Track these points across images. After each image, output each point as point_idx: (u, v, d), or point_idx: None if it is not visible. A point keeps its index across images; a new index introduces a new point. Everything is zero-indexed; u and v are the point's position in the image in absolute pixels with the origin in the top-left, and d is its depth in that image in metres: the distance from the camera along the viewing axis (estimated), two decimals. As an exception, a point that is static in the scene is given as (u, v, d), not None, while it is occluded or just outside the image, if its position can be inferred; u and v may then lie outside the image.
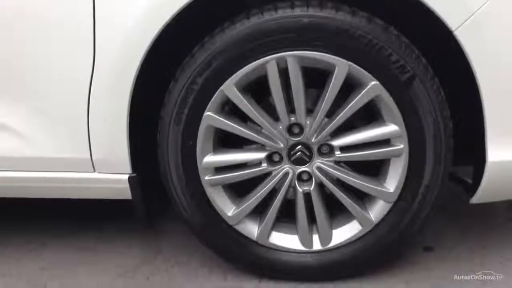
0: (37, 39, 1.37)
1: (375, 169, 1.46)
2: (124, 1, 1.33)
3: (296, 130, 1.40)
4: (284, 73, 1.34)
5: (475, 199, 1.43)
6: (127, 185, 1.47)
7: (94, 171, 1.48)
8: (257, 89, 1.41)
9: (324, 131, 1.38)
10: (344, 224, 1.47)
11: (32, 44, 1.38)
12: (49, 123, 1.43)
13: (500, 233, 1.78)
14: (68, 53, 1.37)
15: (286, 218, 1.51)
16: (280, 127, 1.40)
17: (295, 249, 1.49)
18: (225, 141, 1.48)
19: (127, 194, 1.50)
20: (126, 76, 1.35)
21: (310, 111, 1.40)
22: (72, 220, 1.95)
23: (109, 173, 1.47)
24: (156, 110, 1.46)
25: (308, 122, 1.38)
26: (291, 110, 1.39)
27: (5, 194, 1.60)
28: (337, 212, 1.49)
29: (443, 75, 1.36)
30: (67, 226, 1.91)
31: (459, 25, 1.24)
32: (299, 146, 1.41)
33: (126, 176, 1.46)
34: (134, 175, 1.46)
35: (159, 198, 1.65)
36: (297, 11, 1.29)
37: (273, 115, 1.40)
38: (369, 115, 1.42)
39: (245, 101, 1.36)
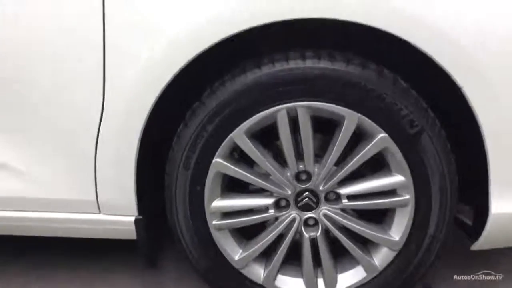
0: (44, 78, 1.36)
1: (380, 216, 1.48)
2: (135, 46, 1.32)
3: (303, 176, 1.41)
4: (292, 120, 1.35)
5: (476, 246, 1.45)
6: (132, 227, 1.47)
7: (100, 212, 1.47)
8: (264, 132, 1.42)
9: (332, 180, 1.39)
10: (349, 269, 1.48)
11: (39, 84, 1.37)
12: (55, 164, 1.42)
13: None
14: (78, 95, 1.36)
15: (291, 260, 1.51)
16: (288, 174, 1.41)
17: (300, 293, 1.49)
18: (231, 183, 1.48)
19: (132, 235, 1.49)
20: (136, 119, 1.35)
21: (317, 156, 1.41)
22: (71, 253, 1.92)
23: (115, 214, 1.47)
24: (162, 149, 1.46)
25: (316, 169, 1.39)
26: (298, 156, 1.40)
27: (9, 232, 1.58)
28: (342, 257, 1.50)
29: (448, 127, 1.38)
30: (65, 259, 1.88)
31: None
32: (307, 193, 1.41)
33: (132, 218, 1.46)
34: (140, 217, 1.46)
35: (163, 236, 1.65)
36: (309, 63, 1.30)
37: (279, 159, 1.42)
38: (376, 163, 1.43)
39: (254, 148, 1.36)
